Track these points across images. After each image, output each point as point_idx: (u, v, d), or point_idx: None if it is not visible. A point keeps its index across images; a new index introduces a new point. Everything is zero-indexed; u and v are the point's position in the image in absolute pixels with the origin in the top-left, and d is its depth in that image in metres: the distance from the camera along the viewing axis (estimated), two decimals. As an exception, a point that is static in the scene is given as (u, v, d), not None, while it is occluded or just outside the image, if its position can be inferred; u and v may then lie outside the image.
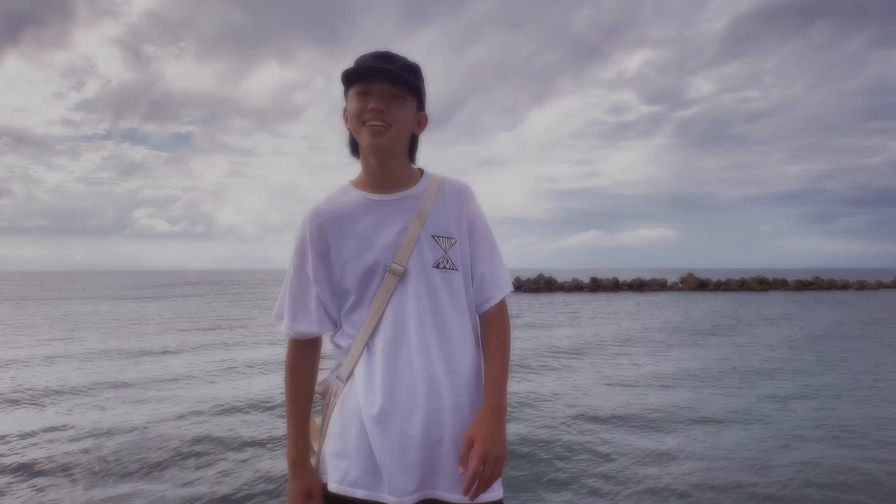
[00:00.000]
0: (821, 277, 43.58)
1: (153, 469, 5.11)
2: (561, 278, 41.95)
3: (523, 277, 39.15)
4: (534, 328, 16.64)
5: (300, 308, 1.54)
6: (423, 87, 1.55)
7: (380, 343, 1.49)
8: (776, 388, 8.51)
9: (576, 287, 38.67)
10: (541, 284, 37.99)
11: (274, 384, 8.64)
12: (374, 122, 1.46)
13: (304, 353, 1.57)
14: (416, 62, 1.54)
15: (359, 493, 1.45)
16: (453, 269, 1.53)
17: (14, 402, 7.76)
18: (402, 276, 1.50)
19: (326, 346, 1.64)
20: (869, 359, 11.29)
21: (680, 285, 41.06)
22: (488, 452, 1.43)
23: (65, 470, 5.09)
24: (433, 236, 1.52)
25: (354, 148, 1.59)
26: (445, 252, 1.53)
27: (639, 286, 39.93)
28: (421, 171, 1.61)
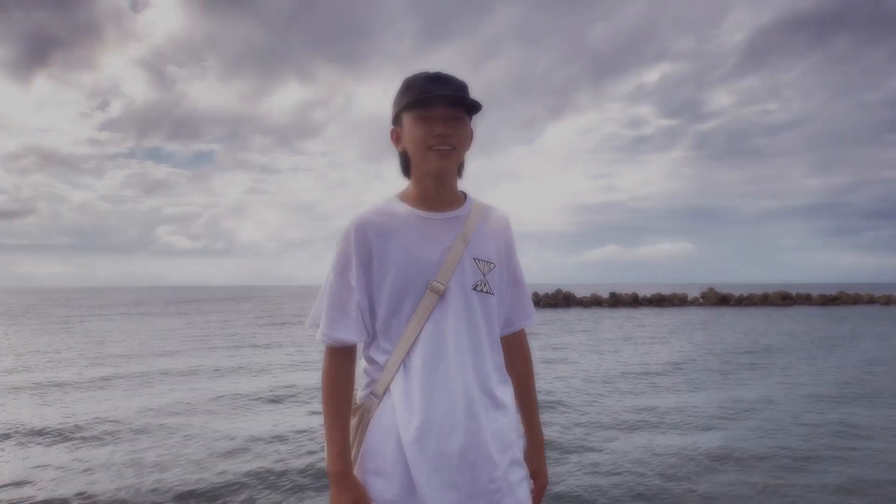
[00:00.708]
0: (846, 292, 42.75)
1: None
2: (580, 293, 41.61)
3: (542, 292, 38.89)
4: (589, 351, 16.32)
5: (339, 315, 1.52)
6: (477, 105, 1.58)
7: (418, 360, 1.49)
8: None
9: (595, 302, 38.27)
10: (559, 300, 37.69)
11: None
12: (442, 147, 1.49)
13: (342, 362, 1.54)
14: (463, 80, 1.57)
15: None
16: (490, 293, 1.56)
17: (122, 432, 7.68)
18: (442, 295, 1.50)
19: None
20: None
21: (701, 300, 40.47)
22: (544, 486, 1.68)
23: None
24: (475, 259, 1.55)
25: (406, 168, 1.60)
26: (484, 276, 1.56)
27: (659, 301, 39.41)
28: (464, 195, 1.64)
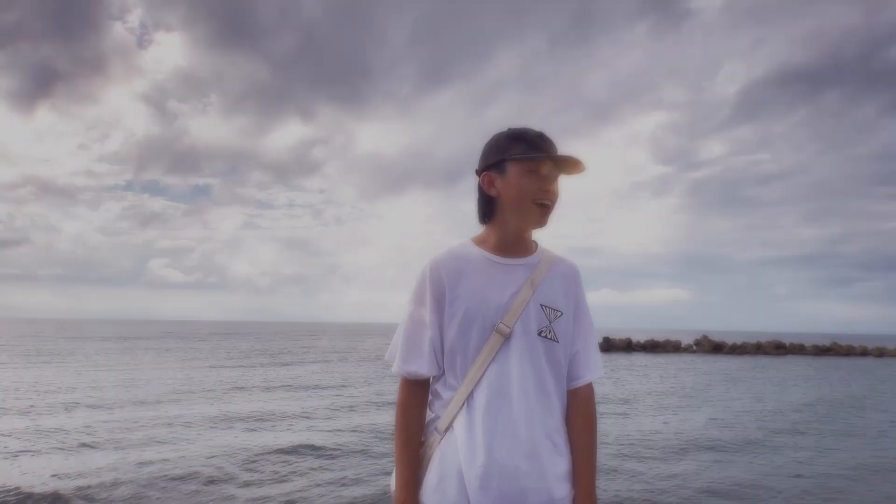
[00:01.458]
0: (839, 343, 42.64)
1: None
2: (573, 337, 41.18)
3: (534, 335, 38.36)
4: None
5: (413, 349, 1.59)
6: None
7: (482, 399, 1.52)
8: None
9: (588, 346, 37.85)
10: (552, 343, 37.26)
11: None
12: (546, 202, 1.57)
13: (415, 394, 1.60)
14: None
15: None
16: (555, 340, 1.58)
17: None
18: (507, 337, 1.54)
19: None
20: None
21: (695, 347, 40.25)
22: None
23: None
24: (542, 305, 1.58)
25: (486, 212, 1.63)
26: (550, 322, 1.58)
27: (652, 347, 39.16)
28: (536, 244, 1.67)
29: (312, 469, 6.95)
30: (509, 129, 1.61)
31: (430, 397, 1.63)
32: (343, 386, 16.17)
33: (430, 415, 1.63)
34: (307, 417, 10.77)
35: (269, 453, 7.55)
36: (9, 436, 8.62)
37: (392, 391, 14.04)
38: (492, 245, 1.62)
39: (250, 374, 19.05)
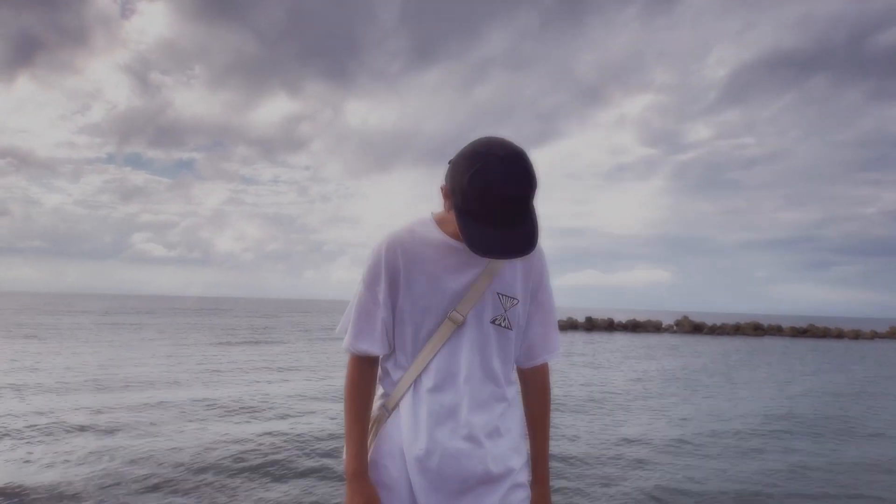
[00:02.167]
0: (815, 325, 43.38)
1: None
2: (557, 316, 41.54)
3: (518, 314, 38.62)
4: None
5: (365, 328, 1.57)
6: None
7: (428, 384, 1.54)
8: None
9: (570, 326, 38.37)
10: (535, 322, 37.53)
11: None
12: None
13: (365, 371, 1.60)
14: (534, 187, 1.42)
15: None
16: (508, 328, 1.58)
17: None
18: (460, 325, 1.54)
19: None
20: None
21: (675, 328, 40.80)
22: None
23: None
24: (498, 294, 1.57)
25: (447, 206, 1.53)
26: (505, 311, 1.58)
27: (634, 327, 39.65)
28: None
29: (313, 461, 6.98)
30: (479, 163, 1.36)
31: (380, 373, 1.63)
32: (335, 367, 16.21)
33: (380, 390, 1.63)
34: (307, 399, 10.78)
35: (261, 435, 7.56)
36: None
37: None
38: (452, 231, 1.55)
39: (240, 354, 19.01)
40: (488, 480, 1.52)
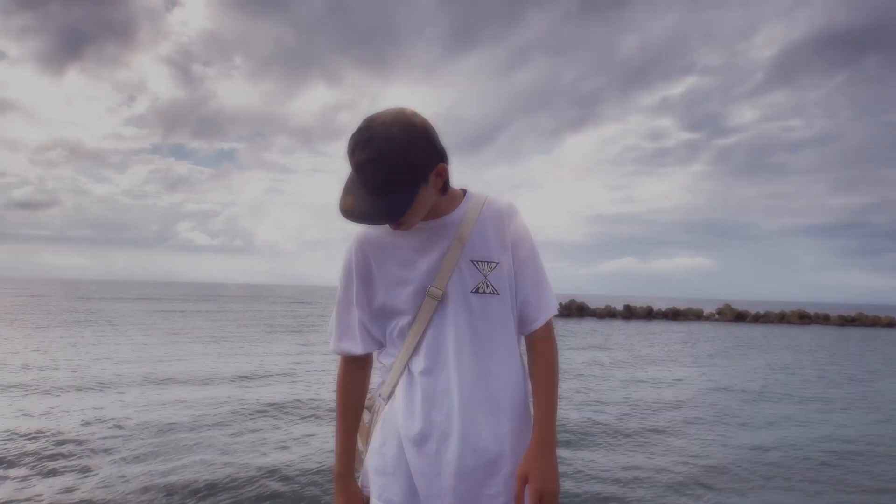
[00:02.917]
0: (864, 314, 42.10)
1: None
2: (594, 304, 41.32)
3: (556, 302, 38.39)
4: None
5: (346, 329, 1.60)
6: (422, 158, 1.42)
7: (419, 365, 1.52)
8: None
9: (608, 314, 38.04)
10: (572, 310, 37.50)
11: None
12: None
13: (351, 371, 1.62)
14: (399, 153, 1.38)
15: None
16: (494, 293, 1.52)
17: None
18: (441, 301, 1.51)
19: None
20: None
21: (717, 316, 40.11)
22: (543, 489, 1.45)
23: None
24: (472, 261, 1.52)
25: None
26: (485, 276, 1.52)
27: (674, 315, 39.10)
28: (464, 192, 1.60)
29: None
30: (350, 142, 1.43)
31: (378, 366, 1.64)
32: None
33: (377, 381, 1.64)
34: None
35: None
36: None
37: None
38: None
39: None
40: (489, 462, 1.48)
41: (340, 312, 1.60)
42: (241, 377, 10.59)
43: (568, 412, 8.28)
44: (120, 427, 6.68)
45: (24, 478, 4.97)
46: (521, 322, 1.57)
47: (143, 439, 6.20)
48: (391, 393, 1.57)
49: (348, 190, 1.42)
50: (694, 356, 16.84)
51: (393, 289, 1.54)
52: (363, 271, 1.56)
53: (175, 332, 19.93)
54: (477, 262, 1.52)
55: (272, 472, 5.31)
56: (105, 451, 5.77)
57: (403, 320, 1.55)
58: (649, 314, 38.76)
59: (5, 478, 4.93)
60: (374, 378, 1.66)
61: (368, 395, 1.66)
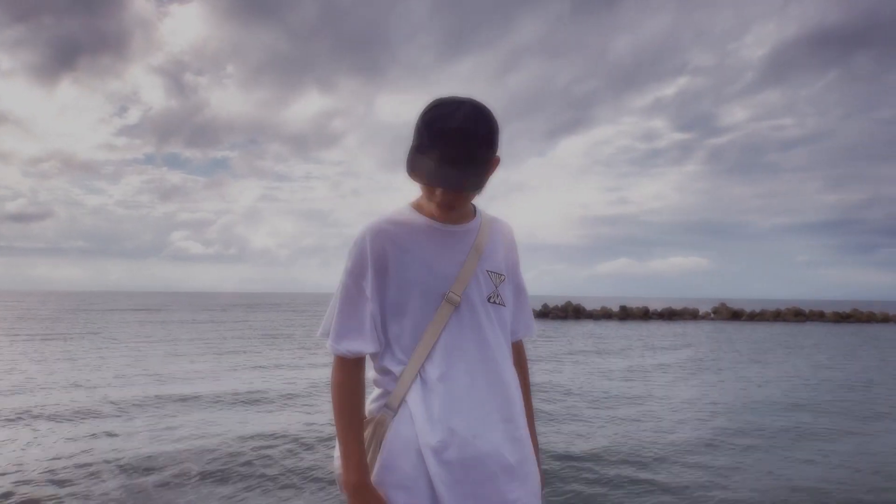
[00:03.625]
0: (859, 310, 42.26)
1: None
2: (590, 306, 41.37)
3: (551, 304, 38.73)
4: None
5: (353, 325, 1.49)
6: (496, 138, 1.45)
7: (434, 372, 1.47)
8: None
9: (604, 315, 38.11)
10: (569, 312, 37.54)
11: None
12: (445, 208, 1.51)
13: (354, 372, 1.51)
14: (489, 123, 1.42)
15: None
16: (502, 304, 1.58)
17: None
18: (457, 307, 1.51)
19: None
20: None
21: (713, 315, 40.23)
22: (541, 491, 1.60)
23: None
24: (487, 271, 1.56)
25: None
26: (496, 287, 1.57)
27: (670, 315, 39.20)
28: (474, 207, 1.63)
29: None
30: (433, 109, 1.41)
31: (375, 374, 1.55)
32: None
33: (377, 391, 1.54)
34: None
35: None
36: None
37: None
38: (430, 213, 1.53)
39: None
40: (509, 467, 1.48)
41: (347, 308, 1.50)
42: (241, 401, 9.68)
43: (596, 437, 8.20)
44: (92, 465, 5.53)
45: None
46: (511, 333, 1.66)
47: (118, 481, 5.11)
48: (401, 402, 1.48)
49: (430, 156, 1.38)
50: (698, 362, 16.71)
51: (406, 288, 1.49)
52: (381, 264, 1.48)
53: (170, 340, 19.73)
54: (491, 272, 1.57)
55: None
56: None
57: (415, 323, 1.49)
58: (645, 315, 38.80)
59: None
60: (369, 389, 1.56)
61: (367, 415, 1.55)
